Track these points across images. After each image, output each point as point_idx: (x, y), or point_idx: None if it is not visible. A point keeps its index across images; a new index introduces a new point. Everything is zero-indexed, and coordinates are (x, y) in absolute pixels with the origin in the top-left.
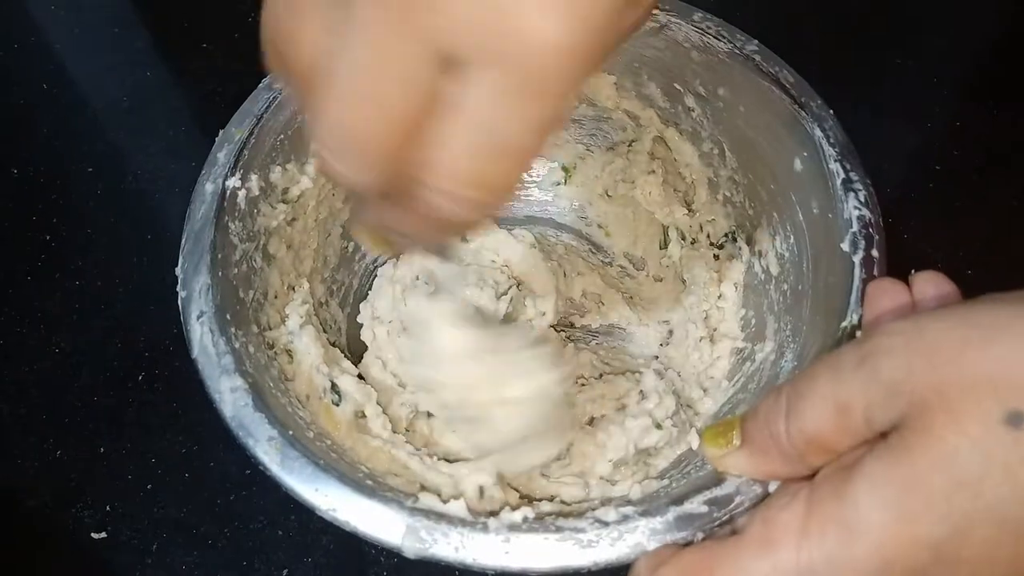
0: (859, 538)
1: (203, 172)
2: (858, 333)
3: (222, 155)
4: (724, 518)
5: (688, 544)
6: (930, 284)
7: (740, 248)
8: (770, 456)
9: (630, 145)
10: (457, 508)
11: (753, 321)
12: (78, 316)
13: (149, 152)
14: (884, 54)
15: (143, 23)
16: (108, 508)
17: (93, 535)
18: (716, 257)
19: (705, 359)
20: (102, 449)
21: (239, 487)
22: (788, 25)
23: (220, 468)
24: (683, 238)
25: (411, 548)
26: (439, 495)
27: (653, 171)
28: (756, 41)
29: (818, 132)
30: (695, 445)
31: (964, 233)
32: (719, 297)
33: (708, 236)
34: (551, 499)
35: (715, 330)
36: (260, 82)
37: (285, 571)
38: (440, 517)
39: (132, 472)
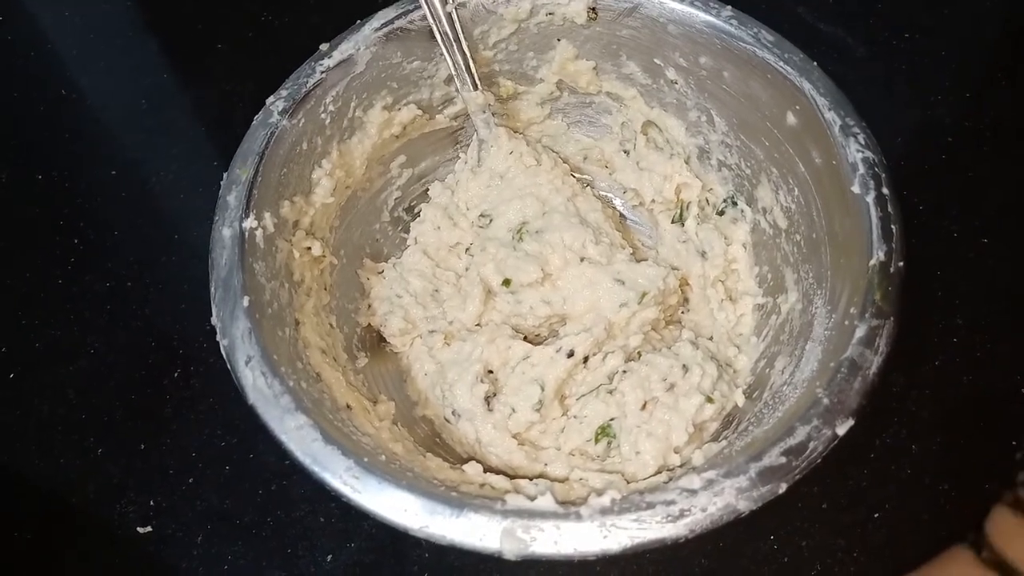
0: None
1: (216, 218)
2: (891, 270)
3: (232, 198)
4: (803, 466)
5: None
6: None
7: (742, 210)
8: None
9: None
10: (546, 503)
11: (769, 276)
12: (110, 317)
13: (171, 153)
14: (894, 25)
15: (153, 26)
16: (152, 503)
17: (139, 530)
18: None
19: (731, 318)
20: (142, 446)
21: (279, 476)
22: None
23: (260, 459)
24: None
25: (511, 550)
26: (527, 494)
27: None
28: (730, 7)
29: (807, 85)
30: (741, 403)
31: (978, 203)
32: (731, 261)
33: (709, 204)
34: (541, 476)
35: (733, 290)
36: (267, 98)
37: (329, 557)
38: (532, 514)
39: (173, 467)
